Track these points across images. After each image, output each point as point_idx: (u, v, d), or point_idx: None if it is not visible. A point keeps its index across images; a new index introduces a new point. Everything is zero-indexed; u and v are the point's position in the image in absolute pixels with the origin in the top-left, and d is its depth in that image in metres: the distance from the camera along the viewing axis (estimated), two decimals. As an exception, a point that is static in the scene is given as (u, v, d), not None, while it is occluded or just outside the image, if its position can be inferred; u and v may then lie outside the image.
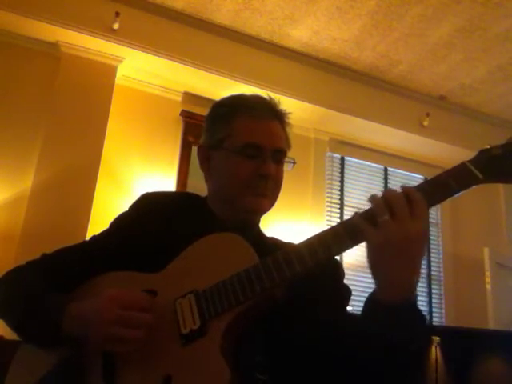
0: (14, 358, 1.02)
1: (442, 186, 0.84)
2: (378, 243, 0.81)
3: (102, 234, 1.12)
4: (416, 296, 0.84)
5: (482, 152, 0.87)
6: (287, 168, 1.10)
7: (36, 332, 0.96)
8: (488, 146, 0.87)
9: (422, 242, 0.82)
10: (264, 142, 1.05)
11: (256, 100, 1.11)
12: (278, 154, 1.07)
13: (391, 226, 0.80)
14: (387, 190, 0.84)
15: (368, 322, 0.86)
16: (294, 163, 1.10)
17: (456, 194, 0.85)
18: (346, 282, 1.10)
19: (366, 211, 0.84)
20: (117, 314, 0.87)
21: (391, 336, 0.83)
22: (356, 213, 0.86)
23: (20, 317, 1.00)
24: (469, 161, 0.86)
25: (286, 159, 1.10)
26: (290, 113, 1.13)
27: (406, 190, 0.83)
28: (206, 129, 1.14)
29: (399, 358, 0.86)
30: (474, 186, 0.85)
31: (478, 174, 0.84)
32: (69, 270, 1.06)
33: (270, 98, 1.12)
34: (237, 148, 1.05)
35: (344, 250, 0.87)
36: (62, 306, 0.95)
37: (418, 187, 0.85)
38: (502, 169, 0.84)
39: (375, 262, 0.84)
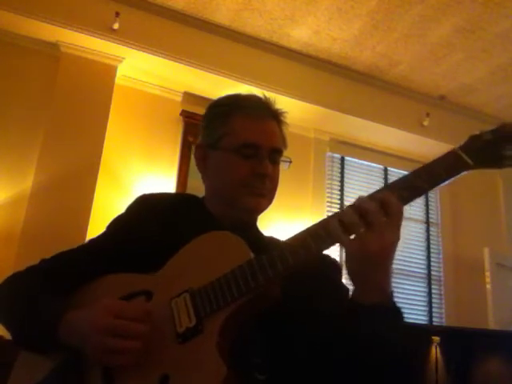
0: (17, 360, 1.02)
1: (433, 174, 0.85)
2: (355, 253, 0.82)
3: (99, 237, 1.12)
4: (392, 293, 0.86)
5: (473, 138, 0.87)
6: (284, 167, 1.11)
7: (34, 341, 0.96)
8: (478, 132, 0.87)
9: (396, 247, 0.83)
10: (261, 142, 1.05)
11: (252, 99, 1.11)
12: (275, 154, 1.08)
13: (368, 237, 0.81)
14: (360, 200, 0.83)
15: (352, 324, 0.87)
16: (290, 162, 1.10)
17: (447, 181, 0.85)
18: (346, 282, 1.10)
19: (342, 219, 0.83)
20: (109, 323, 0.86)
21: (377, 333, 0.85)
22: (335, 215, 0.86)
23: (18, 326, 0.99)
24: (459, 147, 0.86)
25: (282, 158, 1.10)
26: (286, 112, 1.13)
27: (381, 197, 0.82)
28: (202, 128, 1.14)
29: (390, 354, 0.88)
30: (464, 172, 0.85)
31: (468, 160, 0.84)
32: (68, 275, 1.06)
33: (266, 97, 1.12)
34: (234, 147, 1.05)
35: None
36: (59, 314, 0.94)
37: (405, 179, 0.86)
38: (492, 154, 0.85)
39: (353, 269, 0.85)
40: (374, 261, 0.82)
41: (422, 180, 0.84)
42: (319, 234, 0.86)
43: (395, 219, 0.82)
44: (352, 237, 0.84)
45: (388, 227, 0.81)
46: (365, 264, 0.82)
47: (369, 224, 0.81)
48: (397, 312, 0.88)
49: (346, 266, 0.86)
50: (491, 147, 0.85)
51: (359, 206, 0.82)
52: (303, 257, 0.85)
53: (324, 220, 0.88)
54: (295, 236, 0.88)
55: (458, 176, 0.85)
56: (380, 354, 0.87)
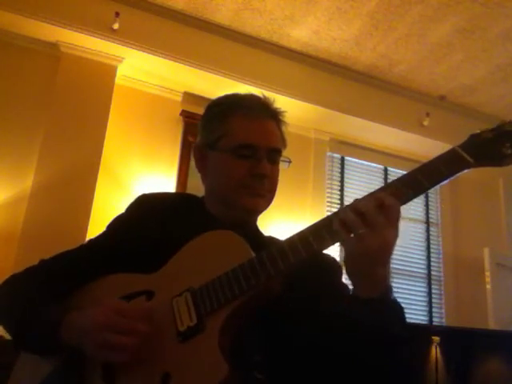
0: (18, 360, 1.02)
1: (433, 172, 0.85)
2: (356, 253, 0.83)
3: (99, 236, 1.12)
4: (390, 286, 0.87)
5: (473, 136, 0.88)
6: (284, 167, 1.11)
7: (35, 343, 0.96)
8: (478, 131, 0.88)
9: (395, 244, 0.84)
10: (258, 142, 1.05)
11: (251, 99, 1.11)
12: (273, 154, 1.07)
13: (368, 237, 0.81)
14: (358, 202, 0.84)
15: (352, 317, 0.88)
16: (290, 162, 1.10)
17: (447, 179, 0.85)
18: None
19: (343, 219, 0.84)
20: (110, 319, 0.87)
21: (376, 327, 0.85)
22: (336, 214, 0.86)
23: (18, 328, 0.99)
24: (459, 146, 0.86)
25: (282, 158, 1.10)
26: (285, 111, 1.12)
27: (378, 198, 0.83)
28: (201, 129, 1.15)
29: (389, 348, 0.88)
30: (465, 171, 0.85)
31: (468, 158, 0.84)
32: (67, 275, 1.05)
33: (265, 97, 1.11)
34: (231, 148, 1.05)
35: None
36: (60, 315, 0.94)
37: (405, 178, 0.86)
38: (492, 152, 0.85)
39: (353, 267, 0.86)
40: (374, 259, 0.83)
41: (422, 178, 0.84)
42: (321, 233, 0.86)
43: (393, 219, 0.82)
44: (352, 236, 0.84)
45: (386, 226, 0.82)
46: (365, 262, 0.83)
47: (368, 225, 0.81)
48: (397, 305, 0.89)
49: (345, 264, 0.86)
50: (491, 145, 0.85)
51: (356, 206, 0.83)
52: (304, 254, 0.85)
53: (326, 219, 0.88)
54: (296, 234, 0.88)
55: (459, 174, 0.85)
56: (381, 348, 0.87)
